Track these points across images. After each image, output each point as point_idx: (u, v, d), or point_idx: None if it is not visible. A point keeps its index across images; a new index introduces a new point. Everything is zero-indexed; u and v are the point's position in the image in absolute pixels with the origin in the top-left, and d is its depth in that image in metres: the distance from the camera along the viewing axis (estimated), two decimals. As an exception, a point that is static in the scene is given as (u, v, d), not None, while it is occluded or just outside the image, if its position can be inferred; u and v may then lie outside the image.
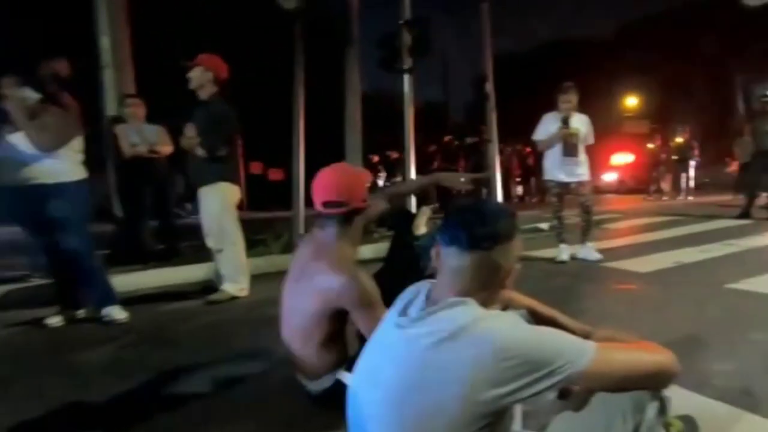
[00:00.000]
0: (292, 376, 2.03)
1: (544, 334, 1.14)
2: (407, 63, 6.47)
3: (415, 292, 1.28)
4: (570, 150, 4.98)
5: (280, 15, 5.83)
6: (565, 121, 4.92)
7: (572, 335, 1.16)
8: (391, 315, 1.28)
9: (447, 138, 11.22)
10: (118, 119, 4.91)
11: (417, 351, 1.10)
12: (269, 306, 3.51)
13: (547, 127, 5.07)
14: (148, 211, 4.95)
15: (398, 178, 9.38)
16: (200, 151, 3.70)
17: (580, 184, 5.13)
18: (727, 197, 11.46)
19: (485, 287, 1.19)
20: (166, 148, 4.90)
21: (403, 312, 1.22)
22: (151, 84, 5.45)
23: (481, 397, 1.03)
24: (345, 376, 1.86)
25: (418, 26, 6.42)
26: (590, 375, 1.08)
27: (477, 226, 1.17)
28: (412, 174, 6.93)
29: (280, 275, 2.06)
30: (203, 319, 3.44)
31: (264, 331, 2.99)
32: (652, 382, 1.23)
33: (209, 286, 4.05)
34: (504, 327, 1.09)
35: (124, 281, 4.00)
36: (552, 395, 1.27)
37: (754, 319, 2.93)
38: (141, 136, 4.78)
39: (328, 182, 1.90)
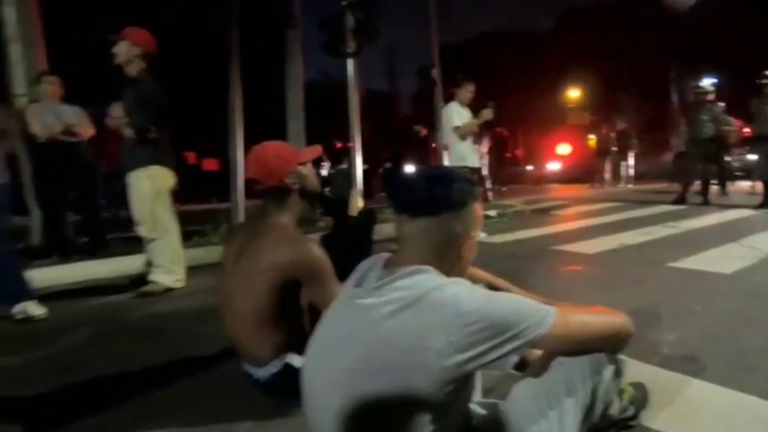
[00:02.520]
0: (236, 365, 1.95)
1: (506, 298, 1.16)
2: (351, 47, 6.40)
3: (371, 263, 1.27)
4: (477, 138, 5.64)
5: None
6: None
7: (533, 300, 1.18)
8: (347, 287, 1.26)
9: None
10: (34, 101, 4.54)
11: (376, 320, 1.09)
12: (209, 296, 3.38)
13: (461, 115, 5.49)
14: (68, 201, 4.62)
15: (343, 166, 9.32)
16: (128, 132, 3.50)
17: (480, 170, 5.70)
18: (663, 185, 12.18)
19: (441, 257, 1.18)
20: (86, 131, 4.56)
21: (359, 283, 1.21)
22: (70, 63, 5.09)
23: (446, 362, 1.04)
24: (294, 359, 1.80)
25: (362, 8, 6.34)
26: (552, 337, 1.11)
27: (424, 191, 1.17)
28: (359, 163, 6.88)
29: (218, 266, 1.98)
30: (136, 313, 3.26)
31: (204, 322, 2.89)
32: (610, 344, 1.27)
33: (141, 279, 3.82)
34: (466, 292, 1.10)
35: (41, 276, 3.71)
36: (514, 360, 1.28)
37: (695, 293, 3.10)
38: (57, 117, 4.43)
39: (248, 160, 1.91)
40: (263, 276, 1.74)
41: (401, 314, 1.07)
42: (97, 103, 3.97)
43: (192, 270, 3.92)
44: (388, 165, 11.86)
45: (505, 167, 15.17)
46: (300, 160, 1.90)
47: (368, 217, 2.67)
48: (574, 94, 27.76)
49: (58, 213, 4.56)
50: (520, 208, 8.17)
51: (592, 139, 14.63)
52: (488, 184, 10.08)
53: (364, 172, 7.20)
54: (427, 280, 1.11)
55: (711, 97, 8.13)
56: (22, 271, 3.19)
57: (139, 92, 3.52)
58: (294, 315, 1.84)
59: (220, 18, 5.89)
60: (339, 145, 10.19)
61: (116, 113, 3.52)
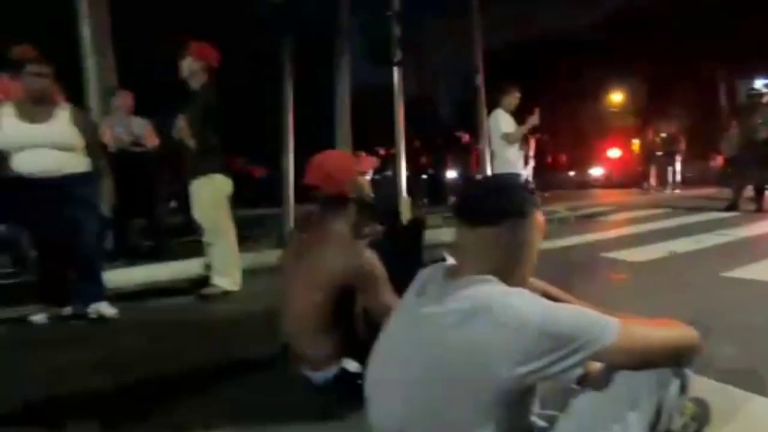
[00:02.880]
0: (293, 368, 2.01)
1: (569, 310, 1.13)
2: (397, 55, 6.45)
3: (432, 272, 1.27)
4: (522, 144, 5.58)
5: (268, 6, 5.79)
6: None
7: (595, 311, 1.15)
8: (409, 295, 1.27)
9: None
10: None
11: (439, 330, 1.09)
12: (263, 299, 3.48)
13: (508, 121, 5.46)
14: (135, 208, 4.84)
15: (388, 173, 9.39)
16: (191, 142, 3.65)
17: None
18: (711, 190, 11.69)
19: (501, 266, 1.17)
20: (152, 141, 4.80)
21: (422, 293, 1.22)
22: (132, 73, 5.35)
23: (509, 374, 1.03)
24: (350, 364, 1.85)
25: (407, 17, 6.38)
26: (616, 350, 1.08)
27: (484, 200, 1.17)
28: (403, 169, 6.91)
29: (270, 271, 2.05)
30: (196, 314, 3.40)
31: (260, 324, 2.95)
32: (676, 358, 1.22)
33: (200, 282, 3.98)
34: (527, 303, 1.08)
35: (110, 278, 3.88)
36: (578, 372, 1.27)
37: (752, 305, 2.98)
38: (127, 129, 4.68)
39: (310, 167, 1.97)
40: (321, 281, 1.80)
41: (464, 325, 1.07)
42: (160, 113, 4.16)
43: (245, 274, 4.02)
44: (430, 171, 11.86)
45: (546, 172, 14.84)
46: (360, 169, 1.98)
47: (417, 225, 2.70)
48: (617, 97, 27.03)
49: (126, 218, 4.79)
50: (564, 214, 8.00)
51: (636, 143, 14.20)
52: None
53: (407, 178, 7.23)
54: (490, 290, 1.10)
55: (766, 99, 7.78)
56: (101, 273, 3.40)
57: (201, 104, 3.67)
58: (351, 321, 1.89)
59: (275, 29, 6.06)
60: (382, 152, 10.27)
61: (182, 123, 3.68)
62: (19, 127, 3.03)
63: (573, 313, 1.11)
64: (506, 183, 1.22)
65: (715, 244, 5.08)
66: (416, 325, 1.16)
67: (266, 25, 6.69)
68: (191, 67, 3.69)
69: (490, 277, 1.13)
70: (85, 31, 4.67)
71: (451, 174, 11.71)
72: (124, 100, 4.81)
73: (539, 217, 1.21)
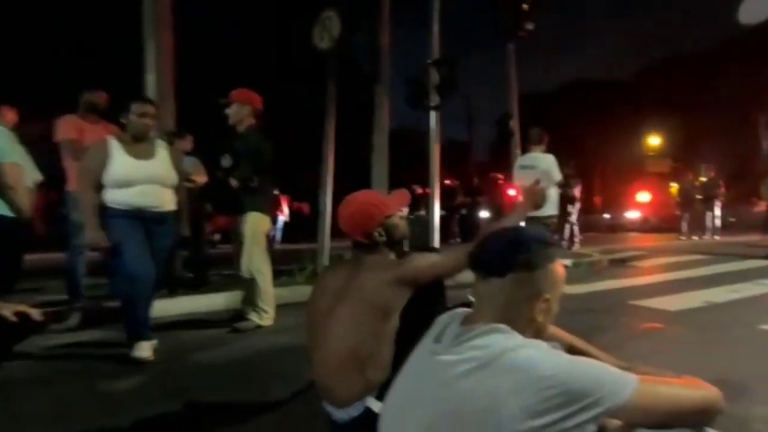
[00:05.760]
0: (317, 404, 1.95)
1: (585, 364, 1.10)
2: (434, 100, 6.58)
3: (450, 318, 1.26)
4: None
5: (314, 54, 6.04)
6: None
7: (613, 367, 1.11)
8: (425, 341, 1.26)
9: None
10: None
11: (451, 379, 1.08)
12: (293, 334, 3.54)
13: None
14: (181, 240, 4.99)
15: (422, 212, 9.40)
16: (233, 182, 3.76)
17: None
18: (755, 237, 11.15)
19: (511, 317, 1.15)
20: (201, 178, 4.99)
21: (438, 339, 1.20)
22: (187, 117, 5.63)
23: (519, 427, 1.00)
24: (374, 404, 1.81)
25: (446, 66, 6.53)
26: (632, 408, 1.04)
27: (493, 252, 1.18)
28: (437, 209, 6.94)
29: (304, 305, 2.05)
30: (229, 347, 3.41)
31: (288, 359, 2.98)
32: (696, 418, 1.15)
33: (236, 314, 4.03)
34: (542, 355, 1.06)
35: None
36: (591, 429, 1.22)
37: (793, 362, 2.79)
38: None
39: (339, 212, 1.96)
40: (358, 313, 1.77)
41: (476, 374, 1.05)
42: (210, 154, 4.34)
43: (279, 308, 4.04)
44: (463, 211, 11.84)
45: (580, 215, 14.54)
46: (387, 213, 1.93)
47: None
48: (654, 141, 26.47)
49: (171, 251, 4.92)
50: (597, 258, 7.78)
51: (673, 186, 13.80)
52: (576, 230, 9.73)
53: (441, 218, 7.24)
54: (503, 340, 1.08)
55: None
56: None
57: (245, 146, 3.78)
58: (382, 358, 1.82)
59: (316, 71, 6.30)
60: (419, 191, 10.33)
61: (225, 163, 3.80)
62: (128, 163, 3.09)
63: (588, 368, 1.07)
64: (519, 235, 1.21)
65: (753, 294, 4.80)
66: (430, 371, 1.15)
67: (310, 69, 6.96)
68: (238, 113, 3.84)
69: (503, 326, 1.12)
70: (150, 81, 4.93)
71: (483, 214, 11.67)
72: (185, 143, 5.08)
73: (557, 269, 1.20)
